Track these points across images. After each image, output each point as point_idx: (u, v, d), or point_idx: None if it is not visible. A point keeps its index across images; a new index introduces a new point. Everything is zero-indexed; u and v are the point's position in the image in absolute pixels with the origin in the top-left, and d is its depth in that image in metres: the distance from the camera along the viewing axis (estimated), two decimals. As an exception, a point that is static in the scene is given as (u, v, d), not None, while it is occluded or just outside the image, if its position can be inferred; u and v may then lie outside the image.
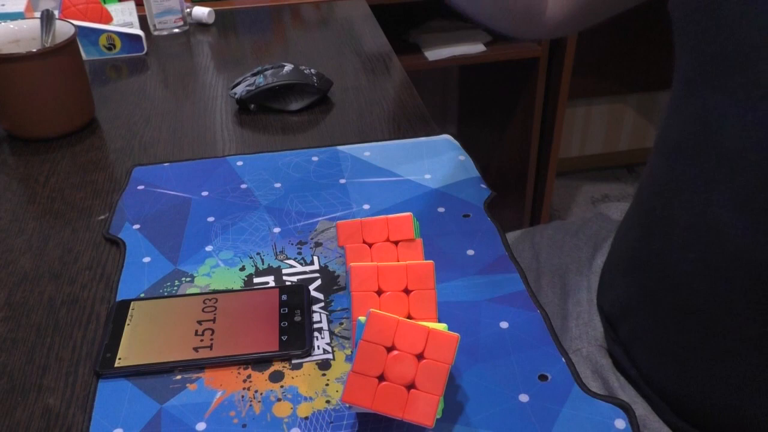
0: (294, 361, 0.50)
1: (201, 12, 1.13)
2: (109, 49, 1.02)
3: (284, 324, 0.52)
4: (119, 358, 0.49)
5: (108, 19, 1.06)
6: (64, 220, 0.67)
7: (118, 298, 0.56)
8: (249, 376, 0.49)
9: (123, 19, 1.08)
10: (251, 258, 0.60)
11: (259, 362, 0.49)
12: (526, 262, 0.76)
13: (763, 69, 0.46)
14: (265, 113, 0.85)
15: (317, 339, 0.51)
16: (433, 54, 1.64)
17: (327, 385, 0.48)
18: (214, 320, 0.52)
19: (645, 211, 0.61)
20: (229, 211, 0.66)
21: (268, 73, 0.84)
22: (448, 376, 0.41)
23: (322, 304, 0.55)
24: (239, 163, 0.73)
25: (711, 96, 0.50)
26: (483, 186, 0.69)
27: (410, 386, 0.41)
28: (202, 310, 0.53)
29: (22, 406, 0.47)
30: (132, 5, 1.12)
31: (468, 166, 0.72)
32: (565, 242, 0.76)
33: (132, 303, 0.54)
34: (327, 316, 0.54)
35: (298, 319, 0.52)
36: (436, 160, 0.73)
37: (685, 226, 0.53)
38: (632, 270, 0.62)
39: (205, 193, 0.69)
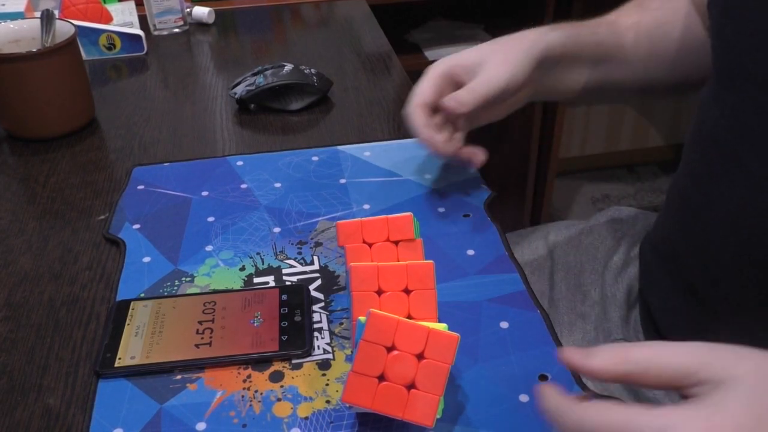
0: (294, 361, 0.50)
1: (201, 12, 1.13)
2: (109, 49, 1.02)
3: (284, 324, 0.52)
4: (119, 358, 0.49)
5: (108, 19, 1.06)
6: (64, 220, 0.67)
7: (118, 298, 0.56)
8: (249, 376, 0.49)
9: (123, 19, 1.08)
10: (251, 258, 0.60)
11: (259, 362, 0.49)
12: (539, 259, 0.76)
13: None
14: (265, 113, 0.85)
15: (317, 339, 0.51)
16: (433, 54, 1.64)
17: (327, 385, 0.48)
18: (213, 320, 0.52)
19: (681, 202, 0.61)
20: (229, 211, 0.66)
21: (268, 73, 0.84)
22: (448, 376, 0.41)
23: (322, 304, 0.55)
24: (239, 163, 0.73)
25: (744, 89, 0.51)
26: (483, 186, 0.69)
27: (410, 386, 0.41)
28: (202, 311, 0.53)
29: (22, 406, 0.47)
30: (132, 5, 1.12)
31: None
32: (580, 241, 0.76)
33: (132, 303, 0.54)
34: (327, 316, 0.54)
35: (298, 319, 0.52)
36: (436, 160, 0.72)
37: (724, 217, 0.54)
38: (673, 263, 0.62)
39: (205, 193, 0.69)
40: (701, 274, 0.59)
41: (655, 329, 0.65)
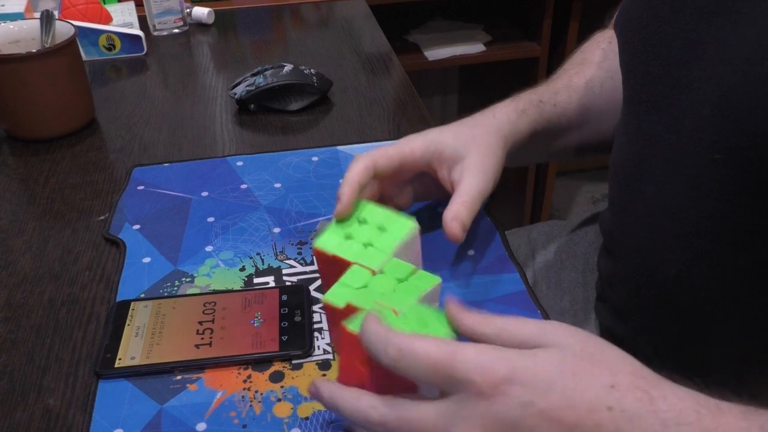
0: (294, 362, 0.49)
1: (201, 12, 1.13)
2: (109, 49, 1.02)
3: (284, 324, 0.52)
4: (119, 359, 0.49)
5: (108, 19, 1.06)
6: (64, 221, 0.67)
7: (118, 299, 0.56)
8: (249, 377, 0.48)
9: (123, 20, 1.08)
10: (251, 258, 0.60)
11: (260, 362, 0.49)
12: (521, 257, 0.76)
13: (686, 88, 0.46)
14: (265, 113, 0.85)
15: (317, 339, 0.51)
16: (433, 54, 1.64)
17: (327, 385, 0.48)
18: (213, 320, 0.52)
19: (605, 232, 0.62)
20: (229, 211, 0.66)
21: (268, 73, 0.84)
22: None
23: (322, 304, 0.55)
24: (239, 163, 0.73)
25: (645, 116, 0.51)
26: (483, 186, 0.69)
27: None
28: (202, 311, 0.53)
29: (22, 407, 0.47)
30: (132, 5, 1.12)
31: (468, 166, 0.72)
32: (561, 239, 0.77)
33: (132, 303, 0.54)
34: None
35: (298, 319, 0.52)
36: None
37: (629, 241, 0.55)
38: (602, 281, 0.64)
39: (205, 193, 0.69)
40: (620, 299, 0.61)
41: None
